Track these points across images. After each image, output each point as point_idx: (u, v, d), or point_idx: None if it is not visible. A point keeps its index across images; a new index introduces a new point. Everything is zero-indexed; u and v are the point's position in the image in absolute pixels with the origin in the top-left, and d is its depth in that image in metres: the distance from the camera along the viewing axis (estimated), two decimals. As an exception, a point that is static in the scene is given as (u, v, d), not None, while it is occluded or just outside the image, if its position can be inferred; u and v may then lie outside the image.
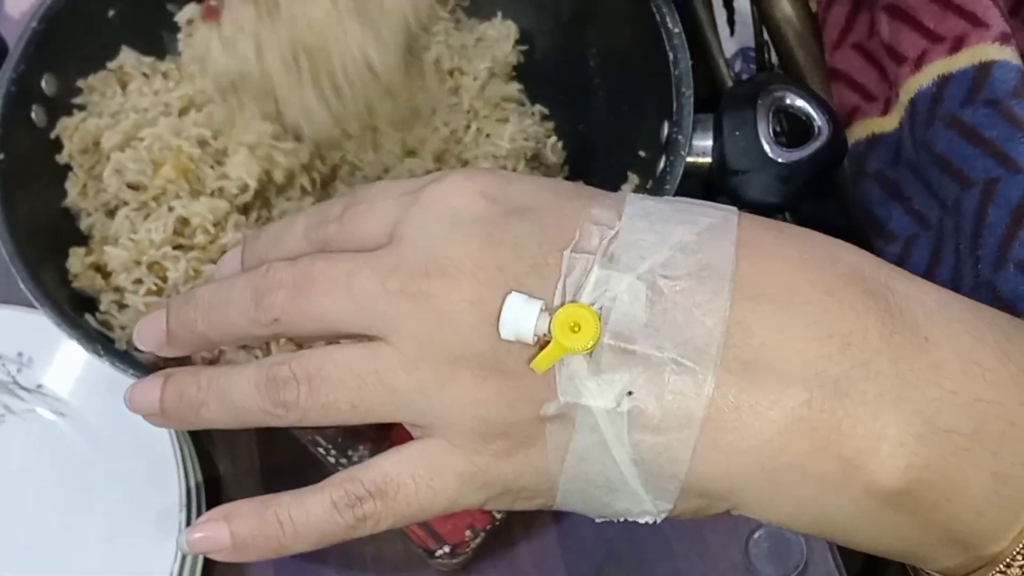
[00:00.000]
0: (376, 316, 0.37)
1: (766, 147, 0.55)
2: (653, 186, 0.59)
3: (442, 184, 0.38)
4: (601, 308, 0.34)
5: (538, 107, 0.68)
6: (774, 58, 0.75)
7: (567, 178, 0.67)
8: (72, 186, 0.62)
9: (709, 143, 0.56)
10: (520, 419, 0.36)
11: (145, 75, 0.65)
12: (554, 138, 0.67)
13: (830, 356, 0.34)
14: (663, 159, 0.57)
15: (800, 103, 0.56)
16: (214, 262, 0.58)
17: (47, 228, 0.60)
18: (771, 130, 0.55)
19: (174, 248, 0.58)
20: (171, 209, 0.58)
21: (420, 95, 0.61)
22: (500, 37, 0.68)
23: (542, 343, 0.35)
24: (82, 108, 0.64)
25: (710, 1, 0.79)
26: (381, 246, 0.38)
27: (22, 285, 0.54)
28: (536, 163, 0.66)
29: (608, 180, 0.65)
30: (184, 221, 0.58)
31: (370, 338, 0.38)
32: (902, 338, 0.34)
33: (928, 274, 0.54)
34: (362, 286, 0.37)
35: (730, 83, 0.75)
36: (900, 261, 0.55)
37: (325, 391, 0.38)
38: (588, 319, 0.34)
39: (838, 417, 0.33)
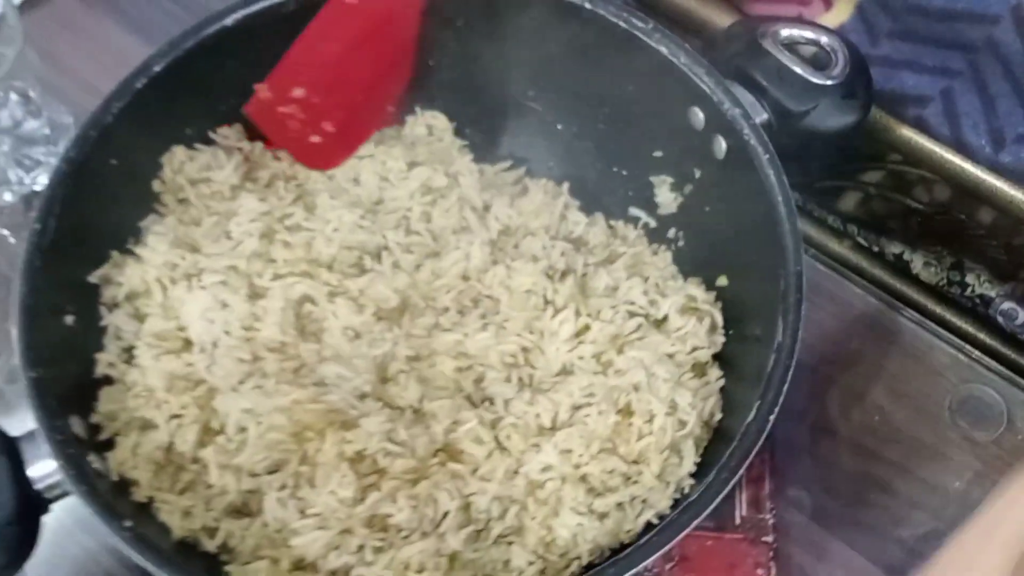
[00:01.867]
0: None
1: (814, 79, 0.57)
2: (718, 172, 0.59)
3: None
4: None
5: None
6: None
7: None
8: (170, 517, 0.52)
9: (752, 100, 0.58)
10: None
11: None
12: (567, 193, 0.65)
13: None
14: (719, 140, 0.58)
15: (808, 33, 0.58)
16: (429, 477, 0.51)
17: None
18: (803, 62, 0.57)
19: (370, 488, 0.50)
20: (340, 453, 0.50)
21: None
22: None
23: None
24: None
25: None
26: None
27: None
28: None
29: (630, 194, 0.65)
30: (359, 456, 0.51)
31: None
32: None
33: (989, 110, 0.59)
34: None
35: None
36: (950, 113, 0.60)
37: None
38: None
39: None
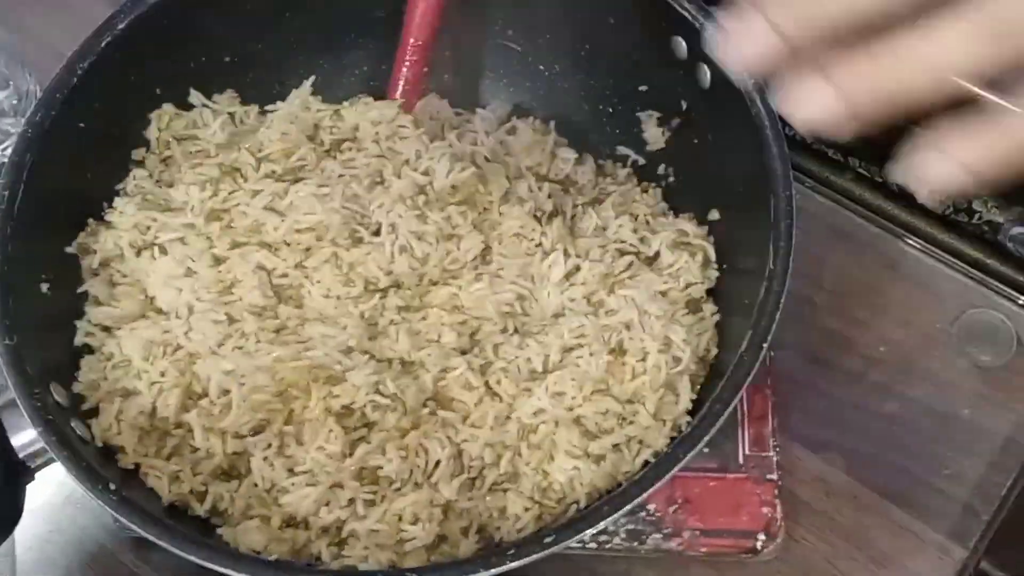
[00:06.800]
0: None
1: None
2: (705, 103, 0.57)
3: None
4: None
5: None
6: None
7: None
8: (158, 482, 0.51)
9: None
10: None
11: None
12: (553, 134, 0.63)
13: None
14: (703, 69, 0.56)
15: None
16: (419, 427, 0.50)
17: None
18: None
19: (358, 442, 0.49)
20: (327, 409, 0.49)
21: None
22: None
23: None
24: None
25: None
26: None
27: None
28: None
29: (617, 132, 0.63)
30: (347, 410, 0.49)
31: None
32: None
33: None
34: None
35: None
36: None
37: None
38: None
39: None
